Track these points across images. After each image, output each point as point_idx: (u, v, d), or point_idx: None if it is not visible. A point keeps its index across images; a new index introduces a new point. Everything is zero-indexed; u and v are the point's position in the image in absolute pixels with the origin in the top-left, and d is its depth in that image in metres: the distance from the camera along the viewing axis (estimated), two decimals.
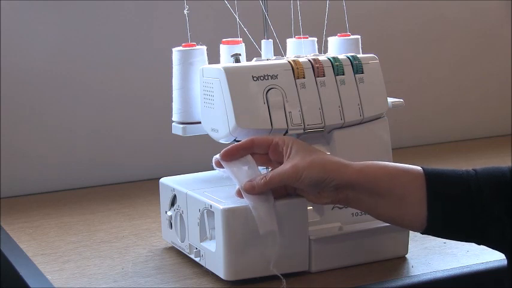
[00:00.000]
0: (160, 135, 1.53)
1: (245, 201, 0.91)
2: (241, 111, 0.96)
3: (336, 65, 1.01)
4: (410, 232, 1.02)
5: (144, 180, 1.53)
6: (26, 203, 1.40)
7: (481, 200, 0.85)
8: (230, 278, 0.93)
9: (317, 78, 1.00)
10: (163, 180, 1.09)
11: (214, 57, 1.08)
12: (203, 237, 0.98)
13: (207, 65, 1.03)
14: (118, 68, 1.51)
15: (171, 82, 1.09)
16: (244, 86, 0.97)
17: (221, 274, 0.93)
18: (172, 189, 1.05)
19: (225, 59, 1.07)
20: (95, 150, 1.51)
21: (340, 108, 1.00)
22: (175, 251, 1.08)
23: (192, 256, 1.01)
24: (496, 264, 0.98)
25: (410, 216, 0.88)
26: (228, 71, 0.97)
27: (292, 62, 1.00)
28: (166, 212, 1.07)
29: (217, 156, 0.95)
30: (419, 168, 0.88)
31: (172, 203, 1.06)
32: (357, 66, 1.02)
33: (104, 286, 0.97)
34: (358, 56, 1.03)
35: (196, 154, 1.45)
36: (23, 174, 1.46)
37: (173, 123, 1.08)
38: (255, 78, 0.97)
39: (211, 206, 0.94)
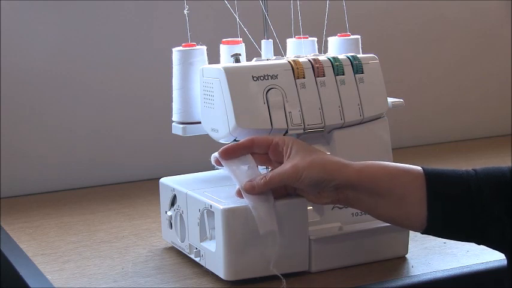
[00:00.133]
0: (160, 135, 1.53)
1: (245, 201, 0.91)
2: (241, 111, 0.96)
3: (336, 65, 1.01)
4: (410, 232, 1.02)
5: (144, 180, 1.53)
6: (26, 203, 1.40)
7: (481, 200, 0.85)
8: (230, 278, 0.93)
9: (317, 78, 1.00)
10: (163, 180, 1.09)
11: (214, 57, 1.08)
12: (203, 237, 0.98)
13: (207, 65, 1.03)
14: (118, 68, 1.51)
15: (171, 82, 1.09)
16: (244, 86, 0.97)
17: (221, 274, 0.93)
18: (172, 189, 1.05)
19: (225, 59, 1.07)
20: (95, 150, 1.51)
21: (340, 108, 1.00)
22: (175, 251, 1.08)
23: (192, 256, 1.01)
24: (496, 264, 0.98)
25: (411, 216, 0.88)
26: (228, 71, 0.97)
27: (292, 62, 1.00)
28: (166, 212, 1.07)
29: (216, 154, 0.95)
30: (419, 168, 0.88)
31: (172, 203, 1.06)
32: (357, 66, 1.02)
33: (104, 286, 0.97)
34: (358, 56, 1.03)
35: (196, 154, 1.45)
36: (23, 174, 1.46)
37: (173, 123, 1.09)
38: (255, 78, 0.97)
39: (211, 206, 0.94)
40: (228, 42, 1.08)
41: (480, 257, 1.01)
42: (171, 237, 1.08)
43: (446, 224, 0.87)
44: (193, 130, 1.07)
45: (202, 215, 0.97)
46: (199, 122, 1.05)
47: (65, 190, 1.48)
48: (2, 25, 1.42)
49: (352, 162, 0.90)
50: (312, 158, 0.89)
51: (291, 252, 0.94)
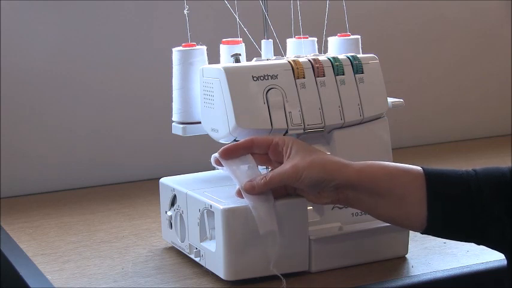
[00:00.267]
0: (160, 135, 1.53)
1: (245, 201, 0.91)
2: (241, 111, 0.96)
3: (336, 65, 1.01)
4: (410, 232, 1.02)
5: (144, 180, 1.53)
6: (26, 203, 1.40)
7: (481, 200, 0.85)
8: (230, 278, 0.93)
9: (317, 78, 1.00)
10: (163, 180, 1.09)
11: (214, 57, 1.08)
12: (203, 237, 0.98)
13: (207, 65, 1.03)
14: (118, 68, 1.51)
15: (171, 82, 1.09)
16: (244, 86, 0.97)
17: (221, 274, 0.93)
18: (172, 189, 1.05)
19: (225, 59, 1.07)
20: (95, 150, 1.51)
21: (340, 108, 1.00)
22: (175, 251, 1.08)
23: (192, 256, 1.01)
24: (496, 264, 0.98)
25: (410, 216, 0.88)
26: (228, 71, 0.97)
27: (292, 62, 1.00)
28: (166, 212, 1.07)
29: (216, 154, 0.95)
30: (419, 168, 0.88)
31: (172, 203, 1.06)
32: (357, 66, 1.02)
33: (104, 286, 0.97)
34: (358, 56, 1.03)
35: (196, 154, 1.45)
36: (23, 174, 1.46)
37: (173, 123, 1.08)
38: (255, 78, 0.97)
39: (211, 206, 0.94)
40: (228, 42, 1.08)
41: (480, 257, 1.01)
42: (171, 237, 1.08)
43: (446, 224, 0.87)
44: (193, 130, 1.07)
45: (202, 215, 0.97)
46: (199, 122, 1.05)
47: (65, 190, 1.48)
48: (2, 25, 1.42)
49: (352, 162, 0.90)
50: (312, 158, 0.89)
51: (291, 252, 0.94)
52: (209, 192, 0.99)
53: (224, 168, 0.95)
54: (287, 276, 0.92)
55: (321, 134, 1.01)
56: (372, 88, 1.02)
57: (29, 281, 0.99)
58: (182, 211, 1.03)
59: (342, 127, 1.01)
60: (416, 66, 1.78)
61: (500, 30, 1.85)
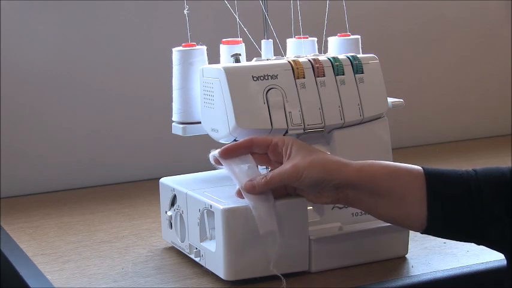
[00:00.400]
0: (160, 135, 1.53)
1: (245, 201, 0.91)
2: (241, 111, 0.96)
3: (336, 65, 1.01)
4: (410, 232, 1.02)
5: (144, 180, 1.53)
6: (26, 203, 1.40)
7: (481, 200, 0.85)
8: (230, 278, 0.93)
9: (317, 78, 1.00)
10: (163, 180, 1.09)
11: (214, 57, 1.08)
12: (203, 237, 0.98)
13: (207, 65, 1.03)
14: (118, 68, 1.51)
15: (171, 82, 1.09)
16: (244, 86, 0.97)
17: (221, 274, 0.93)
18: (172, 189, 1.05)
19: (225, 59, 1.07)
20: (95, 150, 1.51)
21: (340, 108, 1.00)
22: (175, 251, 1.08)
23: (192, 256, 1.01)
24: (496, 264, 0.98)
25: (411, 216, 0.88)
26: (228, 71, 0.97)
27: (292, 62, 1.00)
28: (166, 212, 1.07)
29: (215, 153, 0.95)
30: (419, 168, 0.88)
31: (172, 203, 1.06)
32: (357, 66, 1.02)
33: (104, 286, 0.97)
34: (358, 56, 1.03)
35: (196, 154, 1.45)
36: (23, 174, 1.46)
37: (173, 123, 1.09)
38: (255, 78, 0.97)
39: (211, 206, 0.94)
40: (228, 42, 1.08)
41: (480, 257, 1.01)
42: (171, 237, 1.08)
43: (446, 224, 0.87)
44: (193, 130, 1.07)
45: (202, 215, 0.97)
46: (199, 122, 1.05)
47: (65, 190, 1.48)
48: (2, 25, 1.42)
49: (352, 162, 0.90)
50: (312, 158, 0.89)
51: (291, 252, 0.94)
52: (209, 192, 0.99)
53: (223, 167, 0.95)
54: (287, 276, 0.92)
55: (321, 134, 1.01)
56: (372, 88, 1.02)
57: (29, 281, 0.99)
58: (182, 211, 1.03)
59: (342, 127, 1.01)
60: (416, 66, 1.78)
61: (500, 30, 1.85)
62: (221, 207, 0.91)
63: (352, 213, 1.01)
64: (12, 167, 1.45)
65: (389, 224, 0.98)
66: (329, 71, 1.01)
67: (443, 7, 1.78)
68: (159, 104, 1.50)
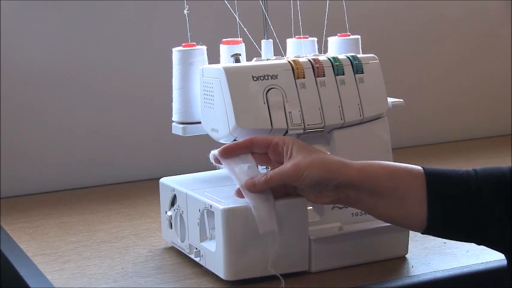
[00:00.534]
0: (160, 135, 1.53)
1: (245, 201, 0.91)
2: (241, 111, 0.96)
3: (336, 65, 1.01)
4: (410, 232, 1.02)
5: (144, 180, 1.53)
6: (26, 203, 1.40)
7: (481, 200, 0.85)
8: (230, 278, 0.93)
9: (317, 78, 1.00)
10: (163, 180, 1.09)
11: (214, 57, 1.08)
12: (203, 237, 0.98)
13: (207, 65, 1.03)
14: (118, 68, 1.51)
15: (171, 82, 1.09)
16: (244, 86, 0.97)
17: (221, 274, 0.93)
18: (172, 189, 1.05)
19: (225, 59, 1.07)
20: (95, 150, 1.51)
21: (340, 108, 1.00)
22: (175, 251, 1.08)
23: (192, 256, 1.01)
24: (496, 264, 0.98)
25: (411, 216, 0.88)
26: (228, 71, 0.97)
27: (292, 62, 1.00)
28: (166, 212, 1.07)
29: (215, 152, 0.95)
30: (419, 168, 0.88)
31: (172, 203, 1.06)
32: (357, 66, 1.02)
33: (104, 286, 0.97)
34: (358, 56, 1.03)
35: (196, 154, 1.45)
36: (23, 174, 1.46)
37: (173, 123, 1.09)
38: (255, 78, 0.97)
39: (211, 206, 0.94)
40: (228, 42, 1.08)
41: (480, 257, 1.01)
42: (171, 237, 1.08)
43: (446, 224, 0.87)
44: (193, 130, 1.07)
45: (202, 215, 0.97)
46: (199, 122, 1.05)
47: (65, 190, 1.48)
48: (2, 25, 1.42)
49: (353, 162, 0.90)
50: (312, 158, 0.89)
51: (291, 252, 0.94)
52: (209, 192, 0.99)
53: (223, 166, 0.95)
54: (287, 276, 0.92)
55: (321, 134, 1.01)
56: (372, 88, 1.02)
57: (29, 281, 0.99)
58: (182, 211, 1.03)
59: (342, 127, 1.01)
60: (416, 66, 1.78)
61: (500, 30, 1.85)
62: (221, 207, 0.91)
63: (352, 213, 1.01)
64: (12, 167, 1.45)
65: (389, 224, 0.98)
66: (329, 71, 1.01)
67: (443, 7, 1.78)
68: (159, 104, 1.50)
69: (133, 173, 1.53)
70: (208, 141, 1.05)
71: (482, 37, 1.84)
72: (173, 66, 1.08)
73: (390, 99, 1.07)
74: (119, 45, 1.51)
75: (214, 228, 0.94)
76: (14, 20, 1.43)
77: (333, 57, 1.01)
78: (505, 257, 0.87)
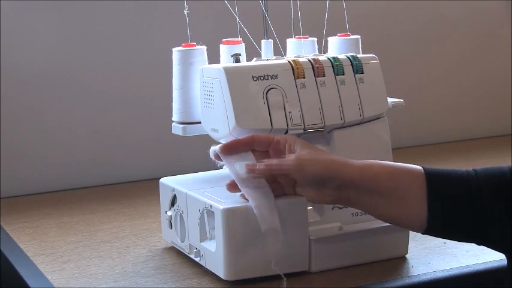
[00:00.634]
0: (160, 135, 1.53)
1: (245, 201, 0.91)
2: (241, 111, 0.96)
3: (336, 65, 1.01)
4: (410, 232, 1.02)
5: (144, 180, 1.53)
6: (26, 203, 1.40)
7: (481, 200, 0.85)
8: (230, 278, 0.93)
9: (317, 78, 1.00)
10: (163, 180, 1.09)
11: (214, 57, 1.08)
12: (203, 237, 0.98)
13: (207, 65, 1.03)
14: (118, 68, 1.51)
15: (171, 82, 1.09)
16: (244, 86, 0.97)
17: (221, 274, 0.93)
18: (172, 189, 1.05)
19: (225, 59, 1.07)
20: (95, 150, 1.51)
21: (340, 108, 1.00)
22: (175, 251, 1.08)
23: (192, 256, 1.01)
24: (496, 264, 0.98)
25: (411, 216, 0.88)
26: (228, 71, 0.97)
27: (292, 62, 1.00)
28: (166, 212, 1.07)
29: (216, 148, 0.95)
30: (419, 167, 0.88)
31: (172, 203, 1.06)
32: (357, 66, 1.02)
33: (104, 286, 0.97)
34: (358, 56, 1.03)
35: (196, 154, 1.45)
36: (23, 174, 1.46)
37: (173, 123, 1.09)
38: (255, 78, 0.97)
39: (211, 206, 0.94)
40: (228, 42, 1.08)
41: (480, 257, 1.01)
42: (171, 237, 1.08)
43: (446, 224, 0.87)
44: (193, 130, 1.07)
45: (202, 215, 0.97)
46: (199, 122, 1.05)
47: (65, 190, 1.48)
48: (2, 25, 1.42)
49: (354, 161, 0.90)
50: (317, 154, 0.90)
51: (291, 252, 0.94)
52: (209, 192, 0.99)
53: (222, 162, 0.95)
54: (287, 276, 0.91)
55: (321, 134, 1.01)
56: (372, 88, 1.02)
57: (29, 281, 0.99)
58: (182, 211, 1.03)
59: (342, 127, 1.01)
60: (416, 66, 1.78)
61: (500, 30, 1.85)
62: (221, 207, 0.91)
63: (352, 213, 1.01)
64: (12, 167, 1.45)
65: (389, 224, 0.98)
66: (329, 71, 1.01)
67: (443, 7, 1.78)
68: (159, 104, 1.50)
69: (133, 173, 1.53)
70: (208, 141, 1.05)
71: (482, 37, 1.84)
72: (173, 66, 1.08)
73: (390, 99, 1.07)
74: (119, 45, 1.51)
75: (214, 228, 0.94)
76: (14, 20, 1.43)
77: (333, 57, 1.01)
78: (505, 257, 0.87)
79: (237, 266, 0.92)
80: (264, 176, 0.91)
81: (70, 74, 1.48)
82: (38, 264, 1.05)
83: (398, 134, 1.63)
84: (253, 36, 1.09)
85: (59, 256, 1.09)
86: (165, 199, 1.08)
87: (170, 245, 1.10)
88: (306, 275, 0.96)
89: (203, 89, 1.02)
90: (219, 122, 0.99)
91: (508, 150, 1.65)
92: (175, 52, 1.07)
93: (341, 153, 0.99)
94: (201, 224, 0.98)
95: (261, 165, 0.91)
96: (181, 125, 1.07)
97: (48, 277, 1.00)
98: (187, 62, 1.06)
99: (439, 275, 0.96)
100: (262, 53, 1.09)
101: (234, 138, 0.96)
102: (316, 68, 1.00)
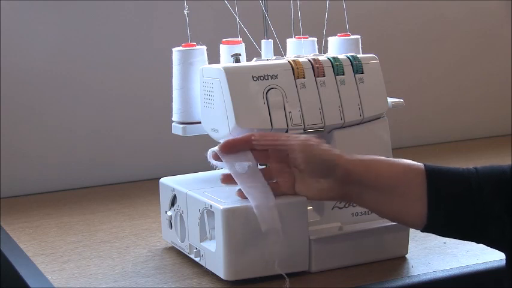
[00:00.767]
0: (160, 135, 1.53)
1: (246, 201, 0.91)
2: (241, 111, 0.96)
3: (336, 65, 1.01)
4: (410, 232, 1.02)
5: (144, 180, 1.53)
6: (26, 203, 1.40)
7: (482, 198, 0.85)
8: (230, 278, 0.93)
9: (317, 78, 1.00)
10: (163, 180, 1.09)
11: (214, 57, 1.08)
12: (203, 237, 0.98)
13: (207, 65, 1.03)
14: (118, 68, 1.51)
15: (171, 82, 1.09)
16: (244, 86, 0.97)
17: (221, 274, 0.93)
18: (172, 189, 1.05)
19: (225, 59, 1.07)
20: (95, 150, 1.51)
21: (340, 108, 1.00)
22: (175, 251, 1.08)
23: (192, 256, 1.01)
24: (496, 264, 0.98)
25: (411, 213, 0.88)
26: (228, 71, 0.97)
27: (292, 62, 1.00)
28: (166, 212, 1.07)
29: (215, 148, 0.95)
30: (420, 164, 0.89)
31: (172, 203, 1.06)
32: (357, 66, 1.02)
33: (104, 286, 0.97)
34: (358, 56, 1.03)
35: (196, 154, 1.44)
36: (23, 174, 1.46)
37: (173, 123, 1.09)
38: (255, 78, 0.97)
39: (211, 206, 0.94)
40: (228, 42, 1.08)
41: (480, 257, 1.01)
42: (171, 237, 1.08)
43: (446, 221, 0.87)
44: (193, 130, 1.07)
45: (202, 215, 0.97)
46: (199, 122, 1.05)
47: (65, 190, 1.48)
48: (2, 25, 1.42)
49: (357, 155, 0.90)
50: (323, 143, 0.92)
51: (291, 252, 0.94)
52: (209, 192, 0.99)
53: (222, 163, 0.94)
54: (287, 276, 0.92)
55: (321, 134, 1.01)
56: (372, 88, 1.02)
57: (29, 281, 0.99)
58: (182, 211, 1.03)
59: (342, 127, 1.01)
60: (416, 66, 1.78)
61: (500, 30, 1.85)
62: (221, 207, 0.91)
63: (352, 213, 1.01)
64: (12, 167, 1.45)
65: (389, 224, 0.98)
66: (329, 71, 1.01)
67: (443, 7, 1.78)
68: (159, 104, 1.50)
69: (133, 173, 1.53)
70: (208, 141, 1.05)
71: (482, 37, 1.84)
72: (173, 66, 1.08)
73: (390, 99, 1.07)
74: (119, 45, 1.51)
75: (214, 228, 0.94)
76: (14, 20, 1.43)
77: (333, 57, 1.01)
78: (504, 256, 0.87)
79: (237, 266, 0.92)
80: (268, 140, 0.92)
81: (70, 74, 1.48)
82: (38, 264, 1.05)
83: (398, 134, 1.63)
84: (253, 36, 1.09)
85: (59, 256, 1.09)
86: (165, 199, 1.08)
87: (170, 245, 1.10)
88: (306, 275, 0.96)
89: (203, 89, 1.02)
90: (219, 122, 0.99)
91: (508, 150, 1.65)
92: (175, 52, 1.07)
93: None
94: (201, 224, 0.98)
95: (268, 137, 0.91)
96: (181, 125, 1.07)
97: (48, 277, 1.00)
98: (187, 62, 1.06)
99: (439, 275, 0.96)
100: (262, 53, 1.09)
101: (234, 137, 0.96)
102: (316, 68, 1.00)
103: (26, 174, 1.46)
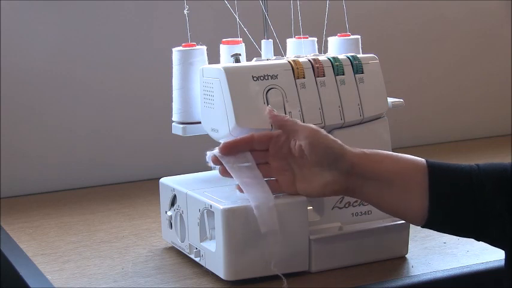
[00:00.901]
0: (160, 135, 1.53)
1: (245, 201, 0.91)
2: (241, 111, 0.96)
3: (336, 65, 1.01)
4: (410, 232, 1.02)
5: (144, 180, 1.53)
6: (26, 203, 1.40)
7: (483, 195, 0.85)
8: (230, 278, 0.93)
9: (317, 78, 1.00)
10: (163, 180, 1.09)
11: (214, 57, 1.08)
12: (203, 237, 0.98)
13: (207, 65, 1.03)
14: (118, 68, 1.51)
15: (171, 82, 1.09)
16: (244, 86, 0.97)
17: (221, 274, 0.93)
18: (172, 189, 1.05)
19: (225, 59, 1.07)
20: (95, 150, 1.51)
21: (340, 108, 1.00)
22: (175, 251, 1.08)
23: (192, 256, 1.01)
24: (496, 264, 0.98)
25: (413, 208, 0.88)
26: (228, 71, 0.97)
27: (292, 62, 1.00)
28: (166, 212, 1.07)
29: (215, 151, 0.94)
30: (422, 160, 0.89)
31: (172, 203, 1.06)
32: (357, 66, 1.02)
33: (104, 286, 0.97)
34: (358, 56, 1.03)
35: (196, 154, 1.44)
36: (23, 174, 1.46)
37: (173, 123, 1.09)
38: (255, 78, 0.97)
39: (211, 206, 0.94)
40: (228, 42, 1.08)
41: (480, 257, 1.01)
42: (171, 237, 1.08)
43: (446, 217, 0.87)
44: (193, 130, 1.07)
45: (202, 215, 0.97)
46: (199, 122, 1.05)
47: (65, 190, 1.48)
48: (2, 25, 1.42)
49: (361, 149, 0.91)
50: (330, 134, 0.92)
51: (291, 252, 0.94)
52: (209, 192, 0.99)
53: (221, 166, 0.94)
54: (287, 276, 0.92)
55: None
56: (372, 88, 1.02)
57: (29, 281, 0.99)
58: (182, 211, 1.03)
59: (342, 127, 1.01)
60: (416, 66, 1.78)
61: (500, 30, 1.85)
62: (221, 207, 0.91)
63: (352, 213, 1.01)
64: (12, 167, 1.45)
65: (389, 224, 0.98)
66: (329, 71, 1.01)
67: (443, 7, 1.78)
68: (159, 104, 1.50)
69: (133, 173, 1.53)
70: (208, 141, 1.05)
71: (482, 37, 1.84)
72: (173, 66, 1.08)
73: (390, 99, 1.07)
74: (119, 45, 1.51)
75: (214, 228, 0.94)
76: (14, 20, 1.43)
77: (333, 57, 1.01)
78: (504, 254, 0.87)
79: (237, 266, 0.92)
80: (274, 120, 0.93)
81: (70, 74, 1.48)
82: (38, 264, 1.05)
83: (398, 134, 1.63)
84: (253, 36, 1.09)
85: (59, 256, 1.09)
86: (165, 199, 1.08)
87: (170, 245, 1.10)
88: (306, 275, 0.96)
89: (203, 89, 1.02)
90: (219, 122, 0.99)
91: (508, 150, 1.65)
92: (175, 52, 1.07)
93: None
94: (201, 224, 0.98)
95: (279, 115, 0.93)
96: (181, 125, 1.07)
97: (48, 277, 1.00)
98: (187, 62, 1.06)
99: (439, 275, 0.96)
100: (262, 53, 1.09)
101: (234, 138, 0.96)
102: (316, 68, 1.00)
103: (26, 174, 1.46)
